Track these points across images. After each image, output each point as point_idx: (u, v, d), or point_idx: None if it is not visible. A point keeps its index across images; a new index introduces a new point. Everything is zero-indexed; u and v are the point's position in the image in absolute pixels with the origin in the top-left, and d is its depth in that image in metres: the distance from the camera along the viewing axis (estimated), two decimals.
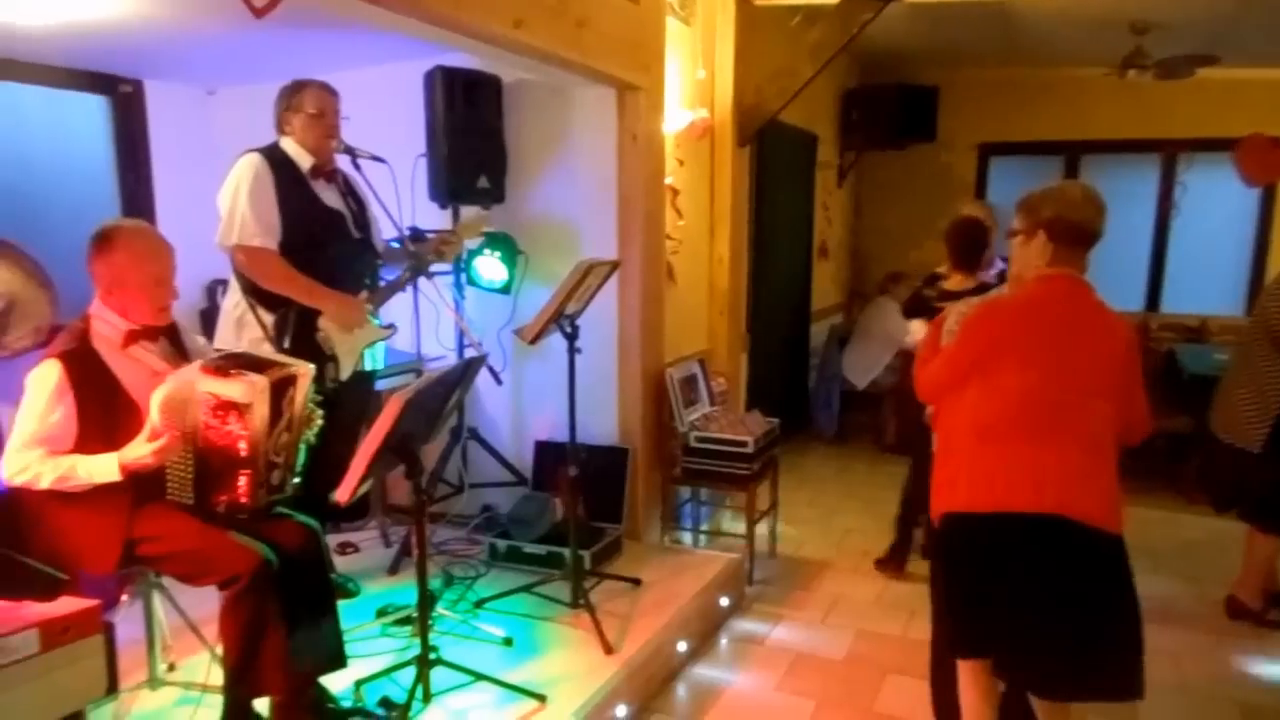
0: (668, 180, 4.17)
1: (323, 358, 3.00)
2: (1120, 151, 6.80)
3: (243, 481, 2.35)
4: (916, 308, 4.12)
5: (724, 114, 4.57)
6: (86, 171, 4.24)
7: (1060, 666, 2.19)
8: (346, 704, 2.58)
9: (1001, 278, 4.04)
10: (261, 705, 2.43)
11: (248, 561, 2.25)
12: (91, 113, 4.23)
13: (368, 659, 2.86)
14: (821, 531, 4.79)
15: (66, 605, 1.99)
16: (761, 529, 4.18)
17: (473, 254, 3.87)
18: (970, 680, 2.40)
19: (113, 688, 2.12)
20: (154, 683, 2.66)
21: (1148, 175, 6.82)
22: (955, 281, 3.97)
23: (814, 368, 6.78)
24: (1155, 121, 6.52)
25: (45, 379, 2.27)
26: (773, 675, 3.24)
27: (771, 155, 5.46)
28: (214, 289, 4.37)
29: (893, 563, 4.23)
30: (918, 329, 4.00)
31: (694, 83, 4.40)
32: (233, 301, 3.07)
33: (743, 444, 3.94)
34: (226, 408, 2.27)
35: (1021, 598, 2.20)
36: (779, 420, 4.35)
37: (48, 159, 4.04)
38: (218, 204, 3.00)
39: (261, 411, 2.30)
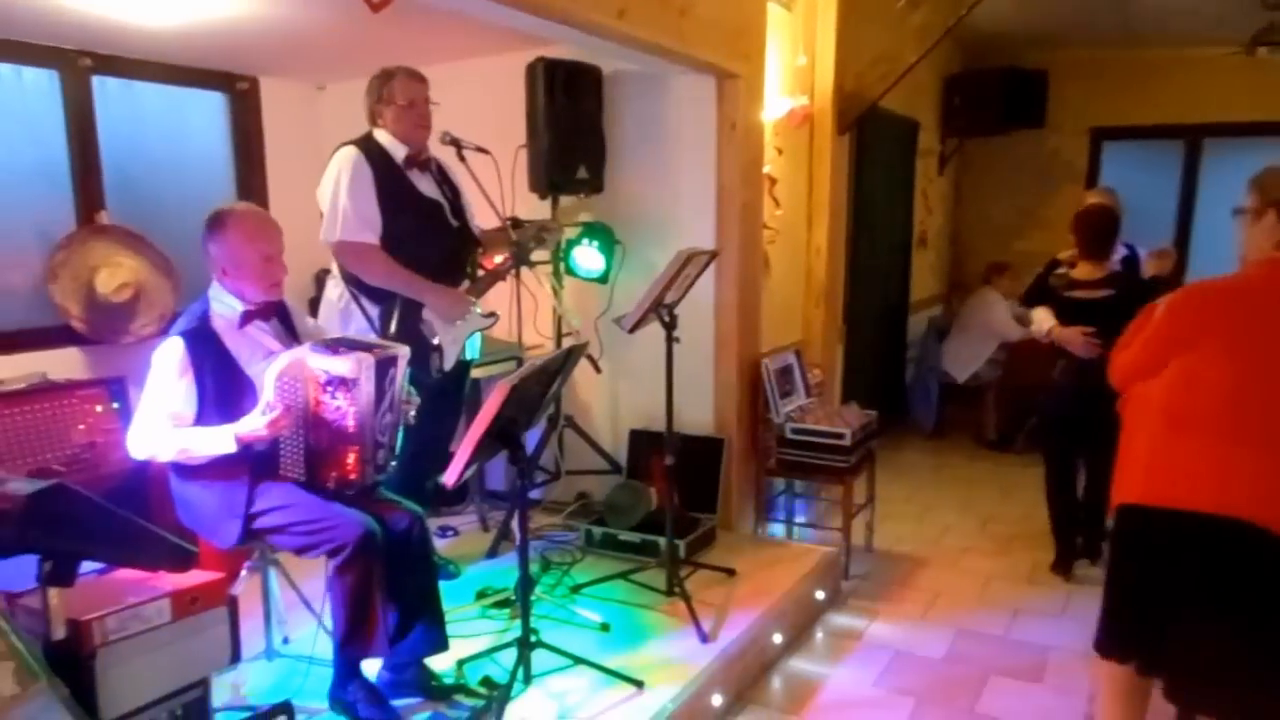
0: (766, 169, 4.13)
1: (428, 348, 3.07)
2: (1247, 135, 6.40)
3: (351, 458, 2.45)
4: (1041, 296, 4.03)
5: (824, 101, 4.50)
6: (205, 165, 4.44)
7: (1218, 682, 2.05)
8: (449, 682, 2.65)
9: (1125, 264, 3.94)
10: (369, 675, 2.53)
11: (353, 530, 2.34)
12: (211, 109, 4.43)
13: (468, 639, 2.93)
14: (919, 527, 4.68)
15: (195, 577, 2.09)
16: (857, 523, 4.11)
17: (571, 243, 3.91)
18: (1114, 692, 2.24)
19: (235, 657, 2.22)
20: (270, 654, 2.79)
21: (1278, 160, 6.41)
22: (1084, 270, 3.87)
23: (911, 360, 6.63)
24: None
25: (168, 356, 2.40)
26: (870, 671, 3.19)
27: (871, 143, 5.35)
28: (322, 278, 4.51)
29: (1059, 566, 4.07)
30: (1041, 317, 3.93)
31: (794, 70, 4.34)
32: (336, 293, 3.13)
33: (840, 436, 3.88)
34: (335, 383, 2.37)
35: (1191, 604, 2.05)
36: (875, 413, 4.28)
37: (169, 154, 4.25)
38: (318, 198, 3.05)
39: (368, 388, 2.40)
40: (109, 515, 1.78)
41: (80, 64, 3.80)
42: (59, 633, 1.85)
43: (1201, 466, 2.03)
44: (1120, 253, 4.00)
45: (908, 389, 6.62)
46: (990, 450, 6.14)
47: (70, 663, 1.84)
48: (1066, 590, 3.88)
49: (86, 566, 1.97)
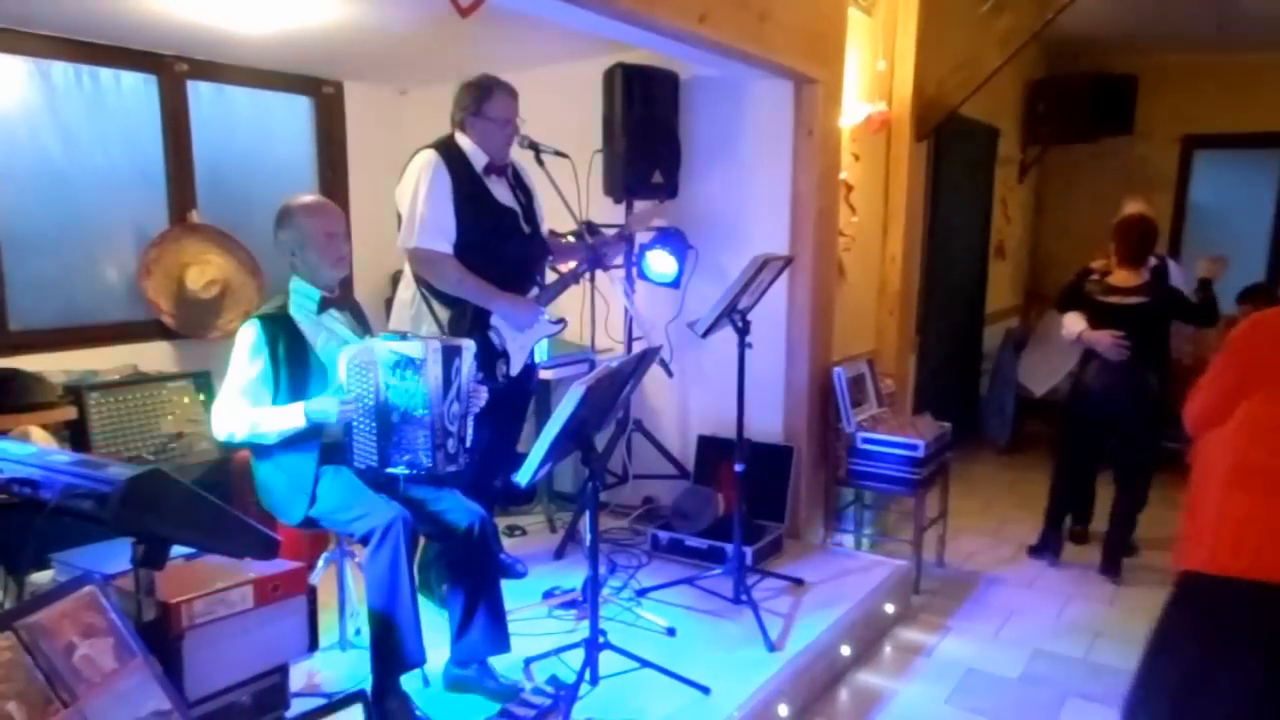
0: (842, 175, 4.08)
1: (495, 354, 3.09)
2: None
3: (422, 440, 2.49)
4: (1074, 301, 4.09)
5: (902, 107, 4.43)
6: (290, 167, 4.56)
7: None
8: (508, 682, 2.64)
9: (1154, 273, 4.00)
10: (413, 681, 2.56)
11: (383, 518, 2.38)
12: (297, 112, 4.56)
13: (535, 638, 2.95)
14: (993, 543, 4.56)
15: (276, 566, 2.14)
16: (928, 537, 4.02)
17: (644, 248, 3.91)
18: None
19: (313, 645, 2.27)
20: (343, 644, 2.85)
21: None
22: (1121, 277, 3.95)
23: (986, 372, 6.47)
24: None
25: (246, 337, 2.52)
26: (941, 688, 3.12)
27: (950, 150, 5.25)
28: (399, 279, 4.61)
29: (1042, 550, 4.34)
30: (1073, 321, 4.03)
31: (873, 75, 4.29)
32: (408, 295, 3.15)
33: (913, 447, 3.81)
34: (404, 364, 2.46)
35: (1258, 692, 1.82)
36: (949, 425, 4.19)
37: (256, 155, 4.38)
38: (396, 201, 3.06)
39: (435, 370, 2.48)
40: (201, 502, 1.84)
41: (177, 69, 3.95)
42: (149, 614, 1.91)
43: (1274, 528, 1.80)
44: (1150, 262, 4.00)
45: (982, 402, 6.47)
46: None
47: (159, 643, 1.89)
48: (1151, 615, 3.73)
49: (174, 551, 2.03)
